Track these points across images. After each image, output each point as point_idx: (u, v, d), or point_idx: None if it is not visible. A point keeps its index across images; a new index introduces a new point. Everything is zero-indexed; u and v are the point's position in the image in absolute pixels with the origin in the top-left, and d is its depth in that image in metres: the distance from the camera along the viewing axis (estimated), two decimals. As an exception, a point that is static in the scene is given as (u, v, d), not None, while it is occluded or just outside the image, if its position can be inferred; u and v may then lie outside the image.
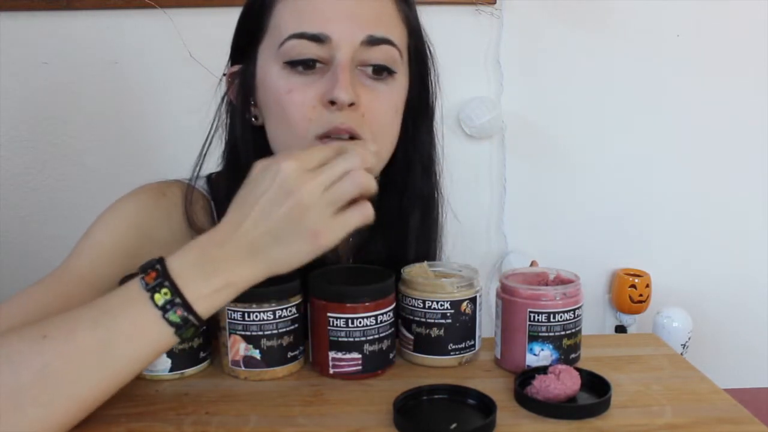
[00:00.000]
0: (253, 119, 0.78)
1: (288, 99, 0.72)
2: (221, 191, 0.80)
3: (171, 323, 0.55)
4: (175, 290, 0.55)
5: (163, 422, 0.58)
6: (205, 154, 0.80)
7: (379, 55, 0.72)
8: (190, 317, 0.55)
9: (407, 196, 0.82)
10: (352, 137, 0.71)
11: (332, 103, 0.70)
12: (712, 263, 1.71)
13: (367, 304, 0.65)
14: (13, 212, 1.54)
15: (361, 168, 0.58)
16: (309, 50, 0.71)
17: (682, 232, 1.70)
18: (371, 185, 0.58)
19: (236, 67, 0.79)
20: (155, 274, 0.55)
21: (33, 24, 1.47)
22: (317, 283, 0.66)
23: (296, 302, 0.66)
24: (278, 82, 0.72)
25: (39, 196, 1.54)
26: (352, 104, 0.70)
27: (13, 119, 1.51)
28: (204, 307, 0.56)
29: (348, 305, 0.64)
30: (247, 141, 0.78)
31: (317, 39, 0.70)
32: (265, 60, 0.74)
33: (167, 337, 0.55)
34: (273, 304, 0.65)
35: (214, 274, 0.56)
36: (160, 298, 0.55)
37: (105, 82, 1.51)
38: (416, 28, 0.79)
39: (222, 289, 0.57)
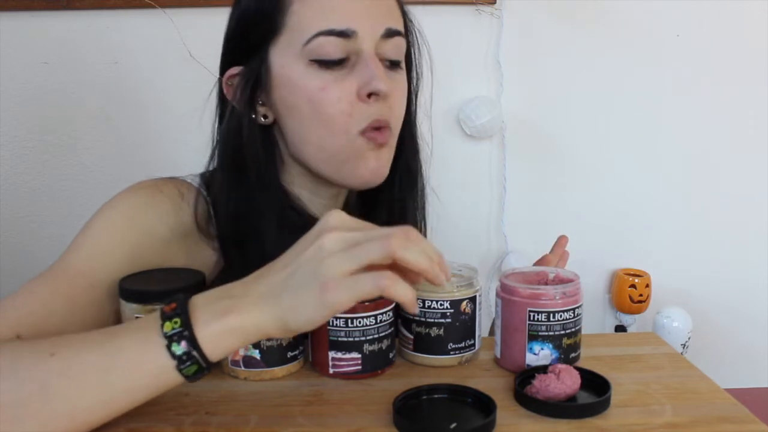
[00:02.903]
0: (262, 119, 0.78)
1: (323, 96, 0.73)
2: (222, 191, 0.79)
3: (173, 356, 0.52)
4: (186, 322, 0.53)
5: (163, 422, 0.58)
6: (213, 156, 0.81)
7: (393, 46, 0.76)
8: (194, 353, 0.52)
9: (399, 173, 0.85)
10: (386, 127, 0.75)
11: (369, 95, 0.72)
12: (712, 263, 1.71)
13: (366, 303, 0.65)
14: (13, 212, 1.54)
15: (394, 243, 0.53)
16: (337, 46, 0.72)
17: (683, 232, 1.70)
18: (401, 259, 0.52)
19: (237, 69, 0.78)
20: (176, 305, 0.54)
21: (33, 24, 1.47)
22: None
23: (296, 302, 0.66)
24: (307, 80, 0.73)
25: (39, 196, 1.54)
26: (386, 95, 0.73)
27: (13, 119, 1.51)
28: (212, 347, 0.53)
29: (347, 305, 0.64)
30: (254, 141, 0.78)
31: (345, 34, 0.72)
32: (284, 59, 0.74)
33: (168, 371, 0.53)
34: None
35: (227, 312, 0.53)
36: (170, 326, 0.53)
37: (105, 82, 1.51)
38: (406, 15, 0.82)
39: (232, 331, 0.53)
